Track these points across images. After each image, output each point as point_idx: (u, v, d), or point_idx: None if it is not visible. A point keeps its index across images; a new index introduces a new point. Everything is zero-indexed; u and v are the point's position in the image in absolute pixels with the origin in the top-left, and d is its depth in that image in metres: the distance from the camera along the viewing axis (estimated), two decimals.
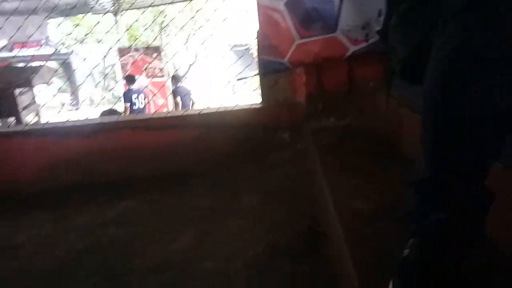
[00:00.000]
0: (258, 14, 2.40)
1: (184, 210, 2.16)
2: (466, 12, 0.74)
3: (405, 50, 0.98)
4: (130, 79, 7.30)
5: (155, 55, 10.51)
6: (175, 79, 7.59)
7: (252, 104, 2.82)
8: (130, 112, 6.60)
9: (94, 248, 1.86)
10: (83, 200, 2.39)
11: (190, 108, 6.91)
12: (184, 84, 8.01)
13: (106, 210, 2.26)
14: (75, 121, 2.81)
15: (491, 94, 0.73)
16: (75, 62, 15.38)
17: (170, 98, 9.87)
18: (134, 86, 7.10)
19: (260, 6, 2.36)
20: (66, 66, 15.00)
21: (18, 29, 2.92)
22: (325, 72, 2.55)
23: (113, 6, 10.83)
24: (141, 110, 6.70)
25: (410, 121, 1.89)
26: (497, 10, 0.72)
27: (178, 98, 7.08)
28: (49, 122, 2.83)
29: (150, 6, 10.57)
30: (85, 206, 2.32)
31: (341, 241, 1.26)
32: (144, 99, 6.88)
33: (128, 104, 6.71)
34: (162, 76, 10.49)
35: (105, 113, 5.63)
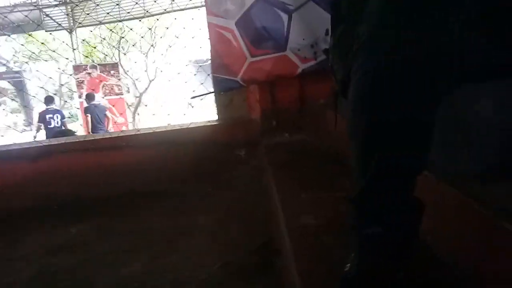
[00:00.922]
0: (209, 33, 2.42)
1: (137, 232, 2.10)
2: (372, 41, 0.82)
3: (341, 71, 1.02)
4: (89, 97, 7.73)
5: (112, 72, 10.30)
6: (88, 97, 7.90)
7: (208, 121, 2.82)
8: (47, 131, 6.91)
9: (42, 276, 1.76)
10: (32, 226, 2.28)
11: (106, 125, 7.54)
12: (101, 102, 8.38)
13: (56, 236, 2.16)
14: (22, 143, 2.68)
15: (405, 108, 0.79)
16: (29, 81, 14.77)
17: (129, 115, 9.69)
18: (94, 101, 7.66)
19: (210, 25, 2.39)
20: (18, 84, 14.36)
21: None
22: (278, 89, 2.60)
23: (68, 22, 10.54)
24: (58, 128, 6.97)
25: None
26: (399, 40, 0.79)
27: (89, 117, 7.49)
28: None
29: (106, 23, 10.38)
30: (34, 232, 2.21)
31: (290, 257, 1.27)
32: (62, 119, 7.23)
33: (42, 125, 7.09)
34: (121, 93, 10.27)
35: (57, 134, 5.54)
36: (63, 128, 7.06)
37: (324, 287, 1.04)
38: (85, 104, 7.92)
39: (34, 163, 2.49)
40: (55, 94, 14.66)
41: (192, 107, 2.76)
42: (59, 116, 7.19)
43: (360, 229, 0.90)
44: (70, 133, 6.18)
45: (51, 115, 7.12)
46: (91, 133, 7.01)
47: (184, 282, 1.59)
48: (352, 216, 0.94)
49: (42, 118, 7.11)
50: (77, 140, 2.72)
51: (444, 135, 1.02)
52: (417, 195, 0.87)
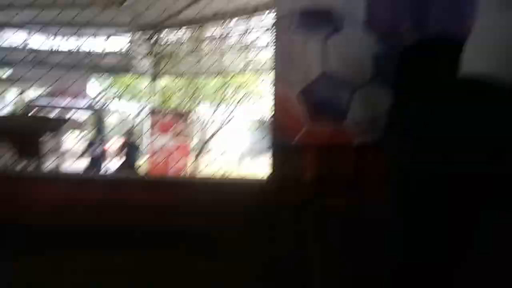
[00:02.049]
0: (274, 97, 2.58)
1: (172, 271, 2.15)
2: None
3: (392, 151, 1.06)
4: (96, 133, 10.82)
5: (183, 119, 11.04)
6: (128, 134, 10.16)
7: (261, 178, 2.89)
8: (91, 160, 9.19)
9: None
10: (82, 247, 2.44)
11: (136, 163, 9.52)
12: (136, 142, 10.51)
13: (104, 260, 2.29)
14: (93, 175, 2.95)
15: None
16: (109, 118, 16.25)
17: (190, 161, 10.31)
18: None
19: (276, 90, 2.56)
20: (99, 120, 15.87)
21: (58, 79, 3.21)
22: (334, 157, 2.64)
23: (152, 70, 11.66)
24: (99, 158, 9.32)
25: None
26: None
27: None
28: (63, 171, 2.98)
29: (186, 76, 11.33)
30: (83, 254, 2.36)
31: None
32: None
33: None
34: (187, 140, 10.89)
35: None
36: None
37: None
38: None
39: (102, 192, 2.71)
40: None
41: (249, 159, 2.86)
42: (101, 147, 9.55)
43: None
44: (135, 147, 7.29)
45: (95, 146, 9.51)
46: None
47: None
48: None
49: (88, 149, 9.49)
50: (138, 179, 2.94)
51: None
52: None
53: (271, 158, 2.93)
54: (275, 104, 2.56)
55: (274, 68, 2.53)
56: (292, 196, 2.77)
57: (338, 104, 2.33)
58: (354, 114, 2.32)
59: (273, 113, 2.62)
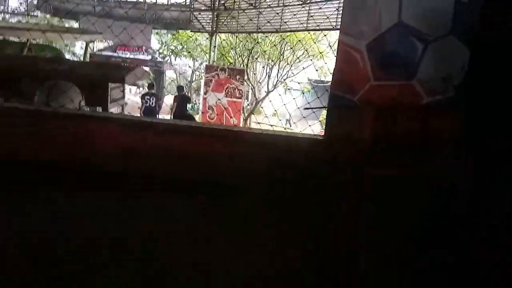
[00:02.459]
0: (338, 51, 2.45)
1: (207, 216, 2.20)
2: None
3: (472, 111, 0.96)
4: (150, 86, 10.82)
5: (238, 77, 11.04)
6: (179, 89, 10.81)
7: (314, 135, 2.84)
8: (143, 108, 10.07)
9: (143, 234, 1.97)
10: (141, 189, 2.59)
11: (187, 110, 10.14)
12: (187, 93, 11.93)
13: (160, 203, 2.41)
14: (153, 119, 3.06)
15: None
16: (168, 72, 16.69)
17: (242, 118, 10.44)
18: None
19: (341, 43, 2.42)
20: (158, 73, 16.36)
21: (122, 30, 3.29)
22: (396, 117, 2.51)
23: (211, 26, 11.65)
24: (152, 108, 9.97)
25: None
26: None
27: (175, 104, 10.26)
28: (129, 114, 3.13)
29: (244, 32, 11.19)
30: (142, 195, 2.50)
31: None
32: (156, 101, 10.24)
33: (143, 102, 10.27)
34: (241, 97, 10.95)
35: (177, 117, 7.07)
36: (157, 108, 10.16)
37: None
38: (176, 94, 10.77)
39: (162, 136, 2.82)
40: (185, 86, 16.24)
41: (304, 117, 2.81)
42: (154, 99, 10.22)
43: None
44: (191, 117, 7.42)
45: (149, 97, 10.27)
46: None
47: (218, 275, 1.61)
48: None
49: (143, 97, 10.32)
50: (196, 125, 3.01)
51: None
52: None
53: (330, 116, 2.84)
54: (339, 57, 2.44)
55: (341, 18, 2.39)
56: (347, 157, 2.69)
57: (409, 58, 2.17)
58: (425, 70, 2.15)
59: (336, 67, 2.50)
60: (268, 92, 13.42)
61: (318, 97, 2.98)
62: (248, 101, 14.39)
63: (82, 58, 14.25)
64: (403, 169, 2.45)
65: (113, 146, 2.83)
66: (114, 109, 6.64)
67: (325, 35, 3.34)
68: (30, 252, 1.90)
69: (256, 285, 1.70)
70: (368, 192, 2.20)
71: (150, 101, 10.07)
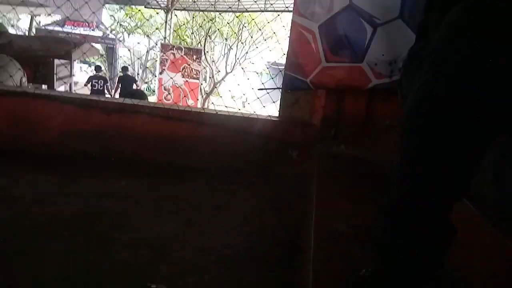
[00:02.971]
0: (291, 32, 2.47)
1: (179, 199, 2.22)
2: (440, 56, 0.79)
3: (408, 86, 1.01)
4: (97, 68, 10.30)
5: (195, 57, 10.79)
6: (124, 69, 10.53)
7: (269, 116, 2.87)
8: (91, 92, 9.08)
9: (84, 215, 1.93)
10: (89, 171, 2.50)
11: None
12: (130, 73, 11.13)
13: (107, 184, 2.34)
14: (100, 97, 2.94)
15: (459, 127, 0.76)
16: (121, 50, 15.97)
17: (200, 99, 10.27)
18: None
19: (294, 24, 2.44)
20: (110, 51, 15.60)
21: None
22: (345, 99, 2.58)
23: (166, 3, 11.23)
24: (100, 91, 9.31)
25: None
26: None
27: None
28: (76, 92, 2.98)
29: (201, 10, 10.93)
30: (89, 177, 2.42)
31: (310, 257, 1.27)
32: (104, 83, 9.63)
33: (89, 85, 9.49)
34: (197, 78, 10.73)
35: (128, 95, 6.51)
36: (105, 92, 9.43)
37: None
38: (120, 74, 10.63)
39: (107, 116, 2.72)
40: (141, 67, 15.71)
41: (258, 98, 2.82)
42: (102, 82, 9.58)
43: (384, 239, 0.89)
44: (140, 93, 7.08)
45: (96, 80, 9.52)
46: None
47: (208, 252, 1.65)
48: (379, 226, 0.93)
49: (89, 81, 9.55)
50: (148, 104, 2.93)
51: (498, 170, 0.96)
52: (454, 224, 0.84)
53: (284, 97, 2.88)
54: (292, 39, 2.45)
55: (294, 0, 2.39)
56: (300, 137, 2.75)
57: (359, 41, 2.22)
58: (374, 53, 2.22)
59: (289, 49, 2.52)
60: (226, 74, 13.30)
61: (272, 78, 2.99)
62: (206, 82, 14.18)
63: (26, 33, 13.29)
64: (353, 148, 2.55)
65: (57, 126, 2.70)
66: (61, 88, 6.29)
67: (278, 15, 3.32)
68: None
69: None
70: (321, 169, 2.26)
71: (98, 84, 9.51)
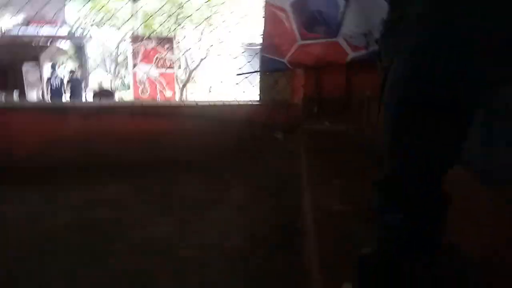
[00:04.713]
0: (265, 12, 2.42)
1: (171, 197, 2.19)
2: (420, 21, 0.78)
3: (388, 57, 1.00)
4: (53, 66, 9.73)
5: (167, 46, 10.52)
6: (71, 72, 10.15)
7: (250, 101, 2.85)
8: (50, 94, 8.90)
9: (78, 225, 1.89)
10: (74, 179, 2.43)
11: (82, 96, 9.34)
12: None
13: (95, 191, 2.30)
14: (75, 102, 2.85)
15: (444, 93, 0.76)
16: (90, 46, 15.44)
17: (178, 90, 10.09)
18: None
19: (266, 4, 2.39)
20: (79, 49, 15.06)
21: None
22: (324, 76, 2.57)
23: None
24: (59, 89, 9.04)
25: None
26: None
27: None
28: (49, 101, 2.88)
29: None
30: (76, 186, 2.36)
31: (312, 237, 1.28)
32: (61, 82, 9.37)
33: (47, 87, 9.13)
34: (172, 67, 10.49)
35: (97, 94, 6.43)
36: (62, 90, 9.12)
37: (340, 267, 1.05)
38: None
39: (84, 120, 2.64)
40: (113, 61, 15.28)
41: (237, 84, 2.78)
42: (59, 80, 9.29)
43: (383, 215, 0.90)
44: (107, 93, 6.88)
45: (53, 79, 9.08)
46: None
47: (209, 248, 1.65)
48: (376, 201, 0.93)
49: (47, 82, 9.13)
50: (125, 104, 2.86)
51: (489, 132, 0.97)
52: (449, 191, 0.85)
53: (263, 80, 2.85)
54: (266, 19, 2.41)
55: None
56: (283, 119, 2.74)
57: (333, 15, 2.20)
58: (348, 26, 2.20)
59: (264, 29, 2.47)
60: (200, 60, 13.06)
61: (248, 62, 2.95)
62: (182, 70, 13.91)
63: None
64: (337, 124, 2.56)
65: (35, 137, 2.61)
66: (33, 93, 6.08)
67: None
68: None
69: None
70: (308, 148, 2.27)
71: (55, 83, 9.25)
